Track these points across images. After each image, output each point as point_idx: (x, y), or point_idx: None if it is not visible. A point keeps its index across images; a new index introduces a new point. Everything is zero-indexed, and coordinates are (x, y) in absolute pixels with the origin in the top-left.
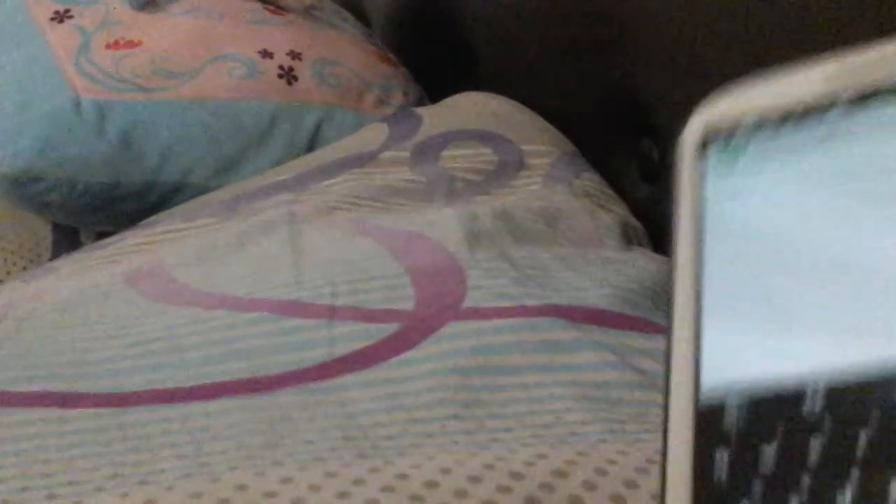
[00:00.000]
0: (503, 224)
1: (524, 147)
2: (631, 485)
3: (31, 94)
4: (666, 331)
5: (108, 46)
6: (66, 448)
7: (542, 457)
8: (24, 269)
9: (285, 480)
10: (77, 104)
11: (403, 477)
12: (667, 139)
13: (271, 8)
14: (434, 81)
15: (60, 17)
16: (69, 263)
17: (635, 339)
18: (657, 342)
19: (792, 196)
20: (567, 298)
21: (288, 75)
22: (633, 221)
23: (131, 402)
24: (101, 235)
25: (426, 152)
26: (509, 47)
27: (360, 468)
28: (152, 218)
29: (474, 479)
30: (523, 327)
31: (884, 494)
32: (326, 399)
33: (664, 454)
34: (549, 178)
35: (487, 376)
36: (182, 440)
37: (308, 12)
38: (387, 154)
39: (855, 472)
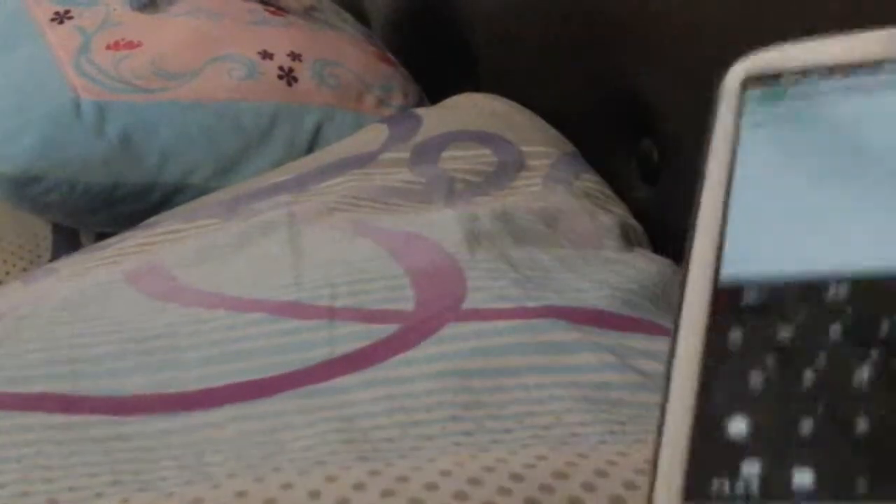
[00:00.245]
0: (503, 225)
1: (524, 148)
2: (631, 486)
3: (31, 94)
4: (689, 227)
5: (108, 47)
6: (67, 455)
7: (541, 458)
8: (24, 269)
9: (285, 486)
10: (77, 105)
11: (404, 480)
12: (667, 139)
13: (271, 9)
14: (434, 81)
15: (60, 17)
16: (69, 264)
17: (635, 341)
18: (657, 343)
19: (822, 133)
20: (567, 300)
21: (288, 76)
22: (633, 222)
23: (132, 409)
24: (101, 236)
25: (426, 153)
26: (509, 47)
27: (360, 471)
28: (152, 219)
29: (474, 482)
30: (523, 329)
31: None
32: (326, 402)
33: (675, 328)
34: (548, 178)
35: (487, 378)
36: (183, 451)
37: (308, 13)
38: (386, 155)
39: (874, 353)
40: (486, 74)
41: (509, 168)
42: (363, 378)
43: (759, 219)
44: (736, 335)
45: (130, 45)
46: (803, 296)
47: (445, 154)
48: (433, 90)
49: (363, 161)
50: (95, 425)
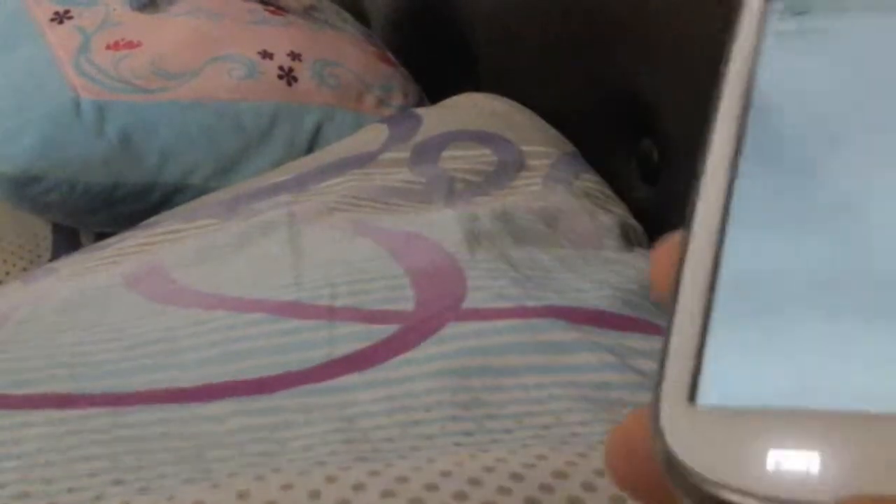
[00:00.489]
0: (503, 225)
1: (524, 148)
2: None
3: (31, 94)
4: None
5: (108, 47)
6: (67, 450)
7: (541, 458)
8: (24, 269)
9: (286, 487)
10: (77, 105)
11: (403, 480)
12: (667, 139)
13: (271, 8)
14: (434, 81)
15: (60, 17)
16: (69, 264)
17: (635, 341)
18: (657, 343)
19: (843, 55)
20: (567, 300)
21: (288, 76)
22: (633, 222)
23: (130, 401)
24: (101, 236)
25: (426, 153)
26: (509, 47)
27: (359, 472)
28: (152, 219)
29: (474, 482)
30: (523, 328)
31: None
32: (326, 401)
33: (688, 228)
34: (548, 178)
35: (487, 377)
36: (183, 444)
37: (308, 13)
38: (386, 155)
39: None
40: (486, 74)
41: (509, 168)
42: (363, 378)
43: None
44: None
45: (130, 45)
46: None
47: (445, 154)
48: (433, 90)
49: (363, 161)
50: (94, 417)
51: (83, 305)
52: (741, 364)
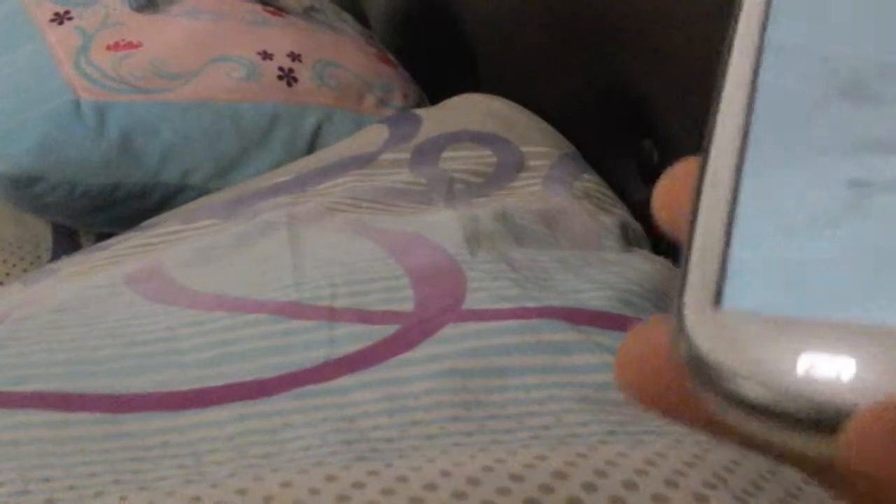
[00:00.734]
0: (503, 226)
1: (524, 148)
2: (630, 486)
3: (30, 95)
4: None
5: (108, 48)
6: (67, 454)
7: (541, 458)
8: (25, 270)
9: (285, 484)
10: (77, 105)
11: (403, 479)
12: (667, 139)
13: (271, 9)
14: (434, 82)
15: (60, 18)
16: (69, 265)
17: None
18: None
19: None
20: (567, 300)
21: (288, 77)
22: (633, 223)
23: (131, 407)
24: (101, 237)
25: (426, 154)
26: (509, 47)
27: (359, 471)
28: (152, 220)
29: (474, 482)
30: (523, 329)
31: None
32: (326, 402)
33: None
34: (548, 179)
35: (487, 378)
36: (182, 451)
37: (308, 14)
38: (387, 155)
39: None
40: (486, 74)
41: (509, 168)
42: (363, 379)
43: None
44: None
45: (130, 46)
46: None
47: (445, 154)
48: (433, 90)
49: (363, 161)
50: (94, 423)
51: (83, 305)
52: (766, 273)
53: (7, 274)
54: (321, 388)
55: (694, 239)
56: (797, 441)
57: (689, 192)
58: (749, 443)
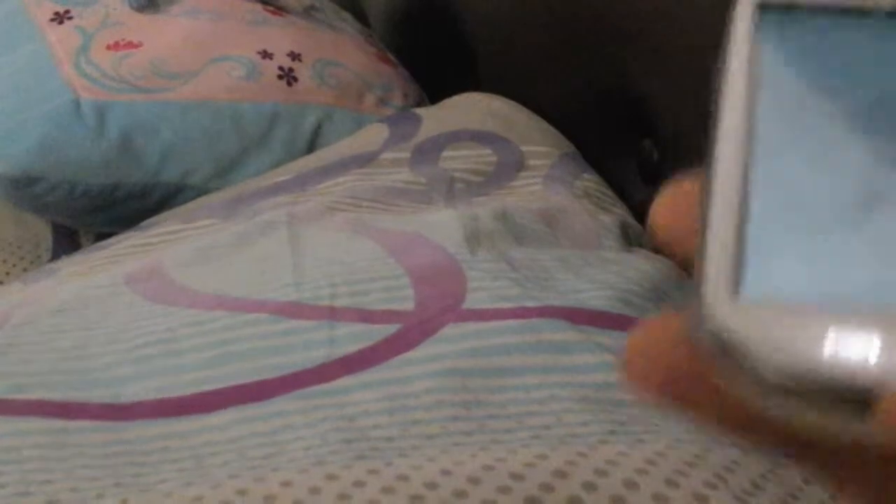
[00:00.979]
0: (503, 225)
1: (524, 148)
2: (631, 485)
3: (30, 95)
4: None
5: (108, 47)
6: (68, 459)
7: (542, 457)
8: (25, 270)
9: (285, 484)
10: (77, 105)
11: (404, 478)
12: (667, 139)
13: (271, 9)
14: (434, 81)
15: (60, 17)
16: (69, 265)
17: None
18: None
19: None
20: (567, 300)
21: (288, 76)
22: (633, 222)
23: (131, 414)
24: (101, 236)
25: (426, 153)
26: (509, 47)
27: (359, 470)
28: (152, 219)
29: (474, 480)
30: (523, 329)
31: None
32: (326, 402)
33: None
34: (549, 178)
35: (488, 377)
36: (183, 455)
37: (308, 13)
38: (387, 155)
39: None
40: (486, 74)
41: (509, 168)
42: (364, 378)
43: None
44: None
45: (130, 46)
46: None
47: (446, 154)
48: (433, 90)
49: (363, 161)
50: (95, 431)
51: (83, 306)
52: (785, 260)
53: (7, 273)
54: (321, 389)
55: (709, 231)
56: (824, 420)
57: (694, 198)
58: (764, 428)
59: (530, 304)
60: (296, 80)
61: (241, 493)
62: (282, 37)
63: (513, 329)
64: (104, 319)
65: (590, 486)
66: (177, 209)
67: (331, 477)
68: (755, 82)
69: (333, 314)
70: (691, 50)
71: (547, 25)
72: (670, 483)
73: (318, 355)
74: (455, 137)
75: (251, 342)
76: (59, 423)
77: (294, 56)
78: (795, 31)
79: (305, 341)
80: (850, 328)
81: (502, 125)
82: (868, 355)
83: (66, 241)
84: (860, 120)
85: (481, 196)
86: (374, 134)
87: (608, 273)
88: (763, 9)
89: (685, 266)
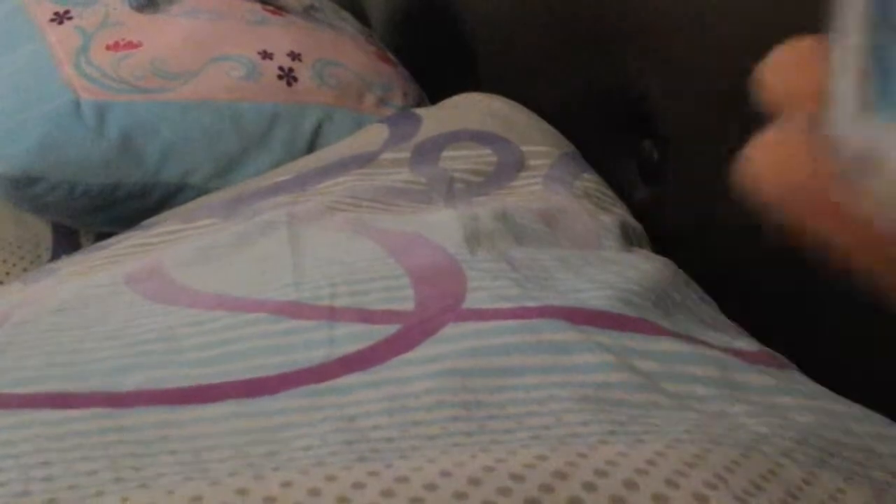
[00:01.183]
0: (503, 225)
1: (524, 148)
2: (631, 486)
3: (30, 95)
4: None
5: (107, 47)
6: (67, 451)
7: (542, 458)
8: (25, 270)
9: (285, 484)
10: (77, 105)
11: (403, 480)
12: (667, 139)
13: (271, 8)
14: (434, 81)
15: (60, 18)
16: (69, 264)
17: (635, 341)
18: (657, 343)
19: None
20: (567, 300)
21: (288, 76)
22: (633, 222)
23: (130, 402)
24: (101, 236)
25: (426, 153)
26: (509, 47)
27: (359, 472)
28: (152, 219)
29: (474, 482)
30: (523, 329)
31: None
32: (326, 402)
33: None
34: (549, 178)
35: (488, 378)
36: (181, 447)
37: (308, 13)
38: (387, 155)
39: None
40: (486, 74)
41: (509, 168)
42: (364, 378)
43: None
44: None
45: (130, 46)
46: None
47: (445, 154)
48: (433, 90)
49: (363, 161)
50: (93, 419)
51: (83, 305)
52: None
53: (7, 273)
54: (321, 388)
55: (843, 50)
56: None
57: (805, 54)
58: (886, 252)
59: (530, 303)
60: (296, 80)
61: (241, 492)
62: (282, 37)
63: (513, 329)
64: (104, 318)
65: (590, 487)
66: (177, 209)
67: (330, 478)
68: None
69: (333, 314)
70: (691, 50)
71: (547, 25)
72: (670, 483)
73: (318, 355)
74: (455, 137)
75: (251, 341)
76: (57, 414)
77: (294, 56)
78: None
79: (305, 341)
80: None
81: (502, 125)
82: None
83: (66, 241)
84: None
85: (481, 196)
86: (374, 134)
87: (608, 273)
88: None
89: (806, 119)
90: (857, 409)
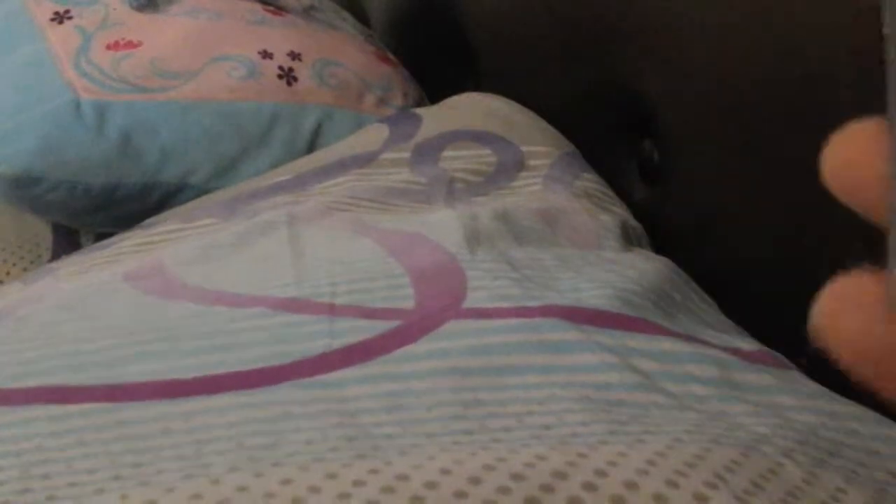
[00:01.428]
0: (503, 225)
1: (524, 148)
2: (631, 486)
3: (30, 94)
4: None
5: (108, 47)
6: (66, 448)
7: (542, 458)
8: (25, 269)
9: (285, 481)
10: (77, 105)
11: (404, 478)
12: (667, 139)
13: (271, 8)
14: (434, 81)
15: (60, 17)
16: (69, 264)
17: (635, 341)
18: (657, 343)
19: None
20: (567, 299)
21: (288, 76)
22: (633, 222)
23: (130, 396)
24: (101, 236)
25: (426, 153)
26: (509, 47)
27: (360, 469)
28: (152, 219)
29: (474, 480)
30: (524, 328)
31: None
32: (327, 394)
33: None
34: (549, 178)
35: (488, 376)
36: (182, 440)
37: (308, 13)
38: (387, 155)
39: None
40: (486, 74)
41: (509, 168)
42: (364, 372)
43: None
44: None
45: (130, 45)
46: None
47: (445, 154)
48: (433, 90)
49: (363, 161)
50: (93, 413)
51: (83, 304)
52: None
53: (7, 273)
54: (322, 380)
55: None
56: None
57: (871, 146)
58: None
59: (531, 303)
60: (296, 79)
61: (241, 489)
62: (282, 37)
63: (513, 328)
64: (104, 313)
65: (590, 487)
66: (177, 209)
67: (331, 475)
68: None
69: (333, 311)
70: (691, 50)
71: (547, 25)
72: (670, 483)
73: (319, 345)
74: (455, 137)
75: (252, 333)
76: (57, 409)
77: (294, 56)
78: None
79: (306, 332)
80: None
81: (502, 125)
82: None
83: (66, 241)
84: None
85: (481, 196)
86: (374, 134)
87: (608, 272)
88: None
89: (868, 213)
90: (857, 409)
